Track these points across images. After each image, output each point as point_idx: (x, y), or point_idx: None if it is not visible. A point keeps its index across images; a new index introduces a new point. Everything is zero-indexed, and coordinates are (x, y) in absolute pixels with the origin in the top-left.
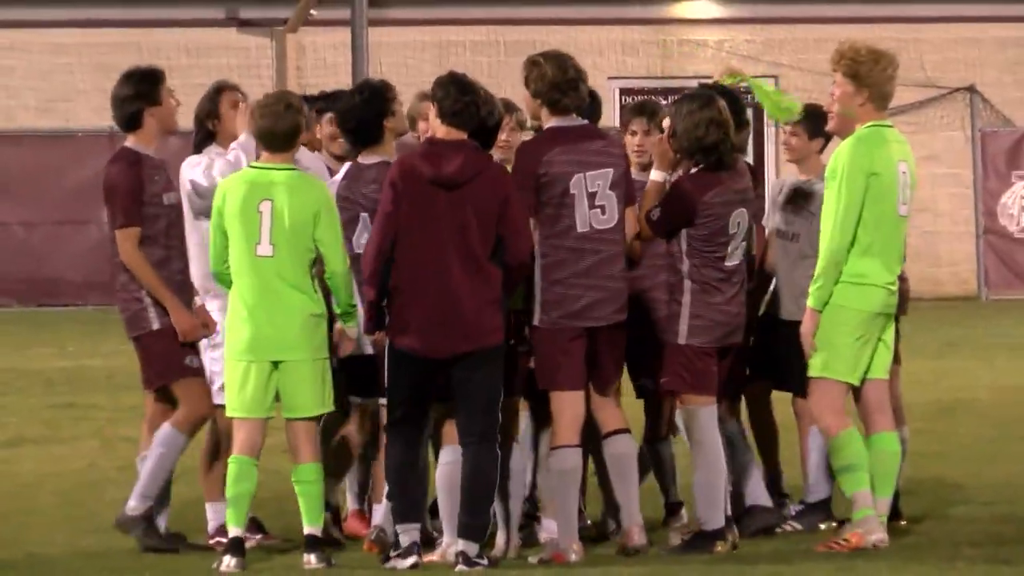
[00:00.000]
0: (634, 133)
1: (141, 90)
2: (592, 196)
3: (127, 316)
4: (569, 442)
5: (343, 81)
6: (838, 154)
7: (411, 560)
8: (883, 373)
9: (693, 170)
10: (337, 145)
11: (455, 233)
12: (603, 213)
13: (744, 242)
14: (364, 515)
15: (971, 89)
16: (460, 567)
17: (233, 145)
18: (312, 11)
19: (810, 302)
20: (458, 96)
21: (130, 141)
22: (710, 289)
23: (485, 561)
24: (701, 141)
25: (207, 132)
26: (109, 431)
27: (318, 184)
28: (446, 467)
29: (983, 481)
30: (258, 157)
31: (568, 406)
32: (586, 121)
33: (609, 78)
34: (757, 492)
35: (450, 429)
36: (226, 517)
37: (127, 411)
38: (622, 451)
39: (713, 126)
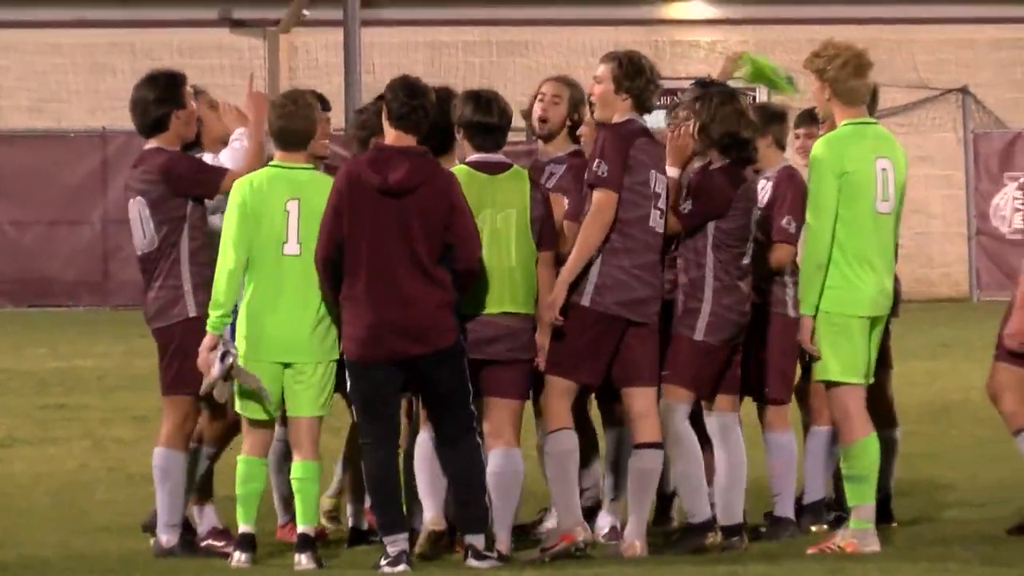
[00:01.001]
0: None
1: (168, 93)
2: (658, 197)
3: (161, 304)
4: (565, 424)
5: (335, 82)
6: (812, 155)
7: (401, 568)
8: (869, 377)
9: (717, 164)
10: (321, 147)
11: (401, 240)
12: (660, 216)
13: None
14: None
15: (964, 90)
16: (470, 561)
17: (235, 136)
18: (305, 12)
19: (802, 308)
20: (405, 100)
21: (153, 143)
22: (731, 287)
23: (495, 554)
24: (736, 136)
25: (192, 140)
26: (101, 432)
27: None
28: (495, 474)
29: (976, 483)
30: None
31: (568, 394)
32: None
33: None
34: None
35: (496, 429)
36: (237, 515)
37: (119, 412)
38: (650, 467)
39: (744, 120)
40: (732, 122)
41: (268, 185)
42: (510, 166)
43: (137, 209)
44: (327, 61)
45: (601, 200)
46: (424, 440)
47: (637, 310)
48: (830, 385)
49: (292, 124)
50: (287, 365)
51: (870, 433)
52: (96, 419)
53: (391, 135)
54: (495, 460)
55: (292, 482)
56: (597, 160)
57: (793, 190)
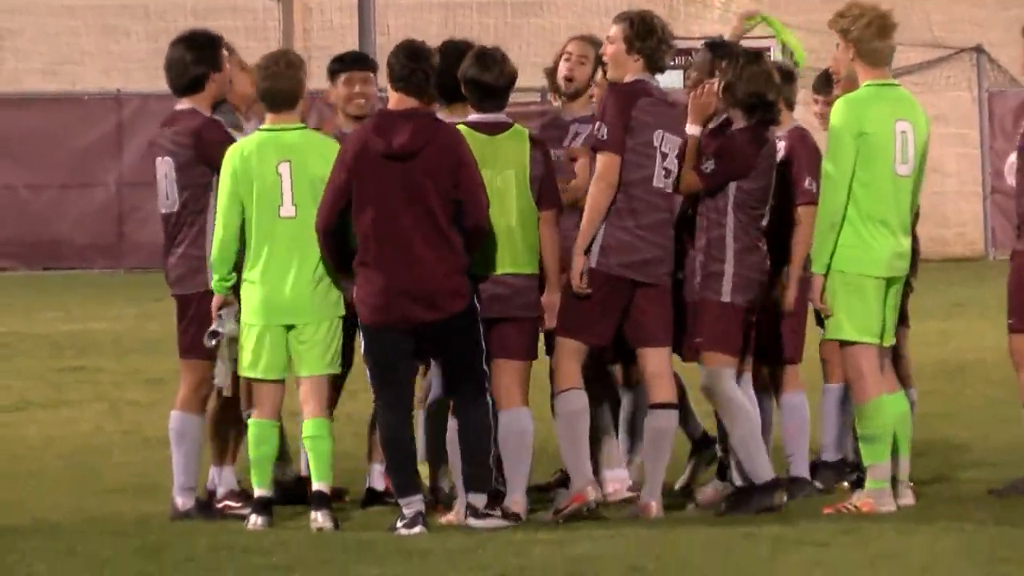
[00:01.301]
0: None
1: (206, 54)
2: (664, 156)
3: (182, 272)
4: (574, 384)
5: (350, 43)
6: (831, 115)
7: (417, 529)
8: (888, 338)
9: (741, 124)
10: (355, 106)
11: (414, 203)
12: (667, 176)
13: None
14: None
15: (978, 49)
16: (470, 520)
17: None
18: None
19: (814, 267)
20: (406, 62)
21: (186, 103)
22: (751, 247)
23: (498, 512)
24: (763, 97)
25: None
26: (115, 395)
27: (329, 141)
28: (505, 435)
29: (990, 443)
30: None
31: (577, 354)
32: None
33: None
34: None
35: (504, 389)
36: (252, 478)
37: (133, 375)
38: (664, 426)
39: (771, 81)
40: (759, 82)
41: (258, 150)
42: (510, 125)
43: (164, 170)
44: (341, 23)
45: (604, 163)
46: (454, 426)
47: (644, 271)
48: (844, 344)
49: (278, 84)
50: (290, 327)
51: (883, 392)
52: (110, 382)
53: (394, 98)
54: (505, 421)
55: (303, 440)
56: (598, 123)
57: (807, 151)
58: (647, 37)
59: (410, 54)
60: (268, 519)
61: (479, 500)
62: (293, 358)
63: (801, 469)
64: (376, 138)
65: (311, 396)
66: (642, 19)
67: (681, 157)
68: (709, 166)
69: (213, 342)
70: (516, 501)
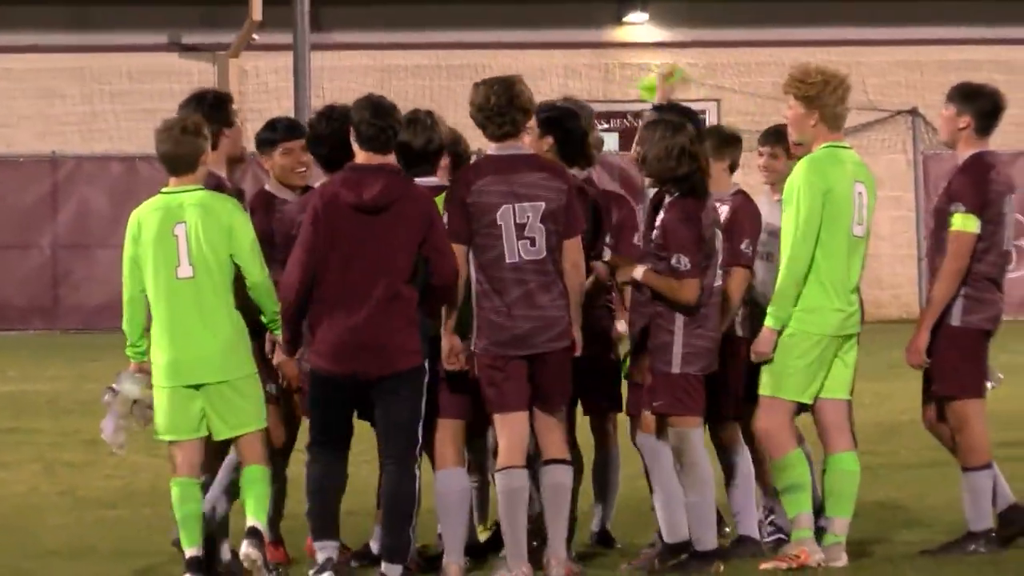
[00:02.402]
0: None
1: (216, 113)
2: (521, 228)
3: None
4: (514, 463)
5: (285, 106)
6: (793, 176)
7: (326, 575)
8: (842, 393)
9: (669, 198)
10: (299, 176)
11: (378, 257)
12: (532, 245)
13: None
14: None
15: (913, 112)
16: None
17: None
18: (254, 36)
19: (769, 322)
20: (371, 120)
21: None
22: (699, 317)
23: None
24: (673, 171)
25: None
26: (51, 456)
27: (228, 199)
28: (443, 494)
29: (925, 503)
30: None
31: (510, 427)
32: (529, 150)
33: None
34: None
35: (444, 451)
36: (181, 538)
37: (70, 436)
38: (558, 481)
39: (685, 156)
40: (671, 158)
41: (154, 214)
42: (443, 189)
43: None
44: (277, 85)
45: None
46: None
47: (523, 344)
48: (763, 397)
49: (176, 149)
50: (199, 387)
51: (795, 448)
52: (46, 443)
53: (361, 156)
54: (441, 481)
55: (242, 482)
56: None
57: (748, 215)
58: (470, 106)
59: (376, 112)
60: None
61: (394, 571)
62: (215, 422)
63: (748, 528)
64: (346, 191)
65: (247, 451)
66: (474, 85)
67: (554, 221)
68: (683, 263)
69: (105, 398)
70: (452, 564)
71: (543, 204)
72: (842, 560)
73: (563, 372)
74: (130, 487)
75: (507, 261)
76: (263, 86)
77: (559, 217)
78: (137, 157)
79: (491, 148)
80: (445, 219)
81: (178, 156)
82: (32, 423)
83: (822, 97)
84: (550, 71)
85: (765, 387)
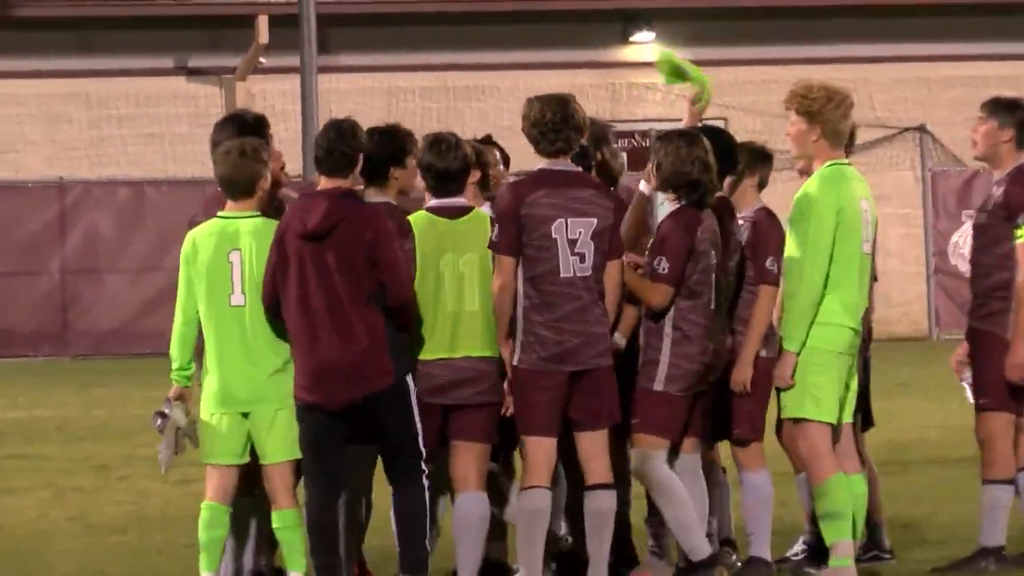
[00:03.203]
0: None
1: (256, 134)
2: (573, 243)
3: None
4: (539, 483)
5: (292, 128)
6: (804, 194)
7: None
8: (847, 416)
9: (671, 208)
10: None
11: (325, 283)
12: (582, 261)
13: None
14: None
15: (921, 129)
16: None
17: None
18: (261, 59)
19: (788, 344)
20: (323, 143)
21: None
22: (690, 336)
23: None
24: (687, 176)
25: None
26: (61, 482)
27: None
28: (462, 518)
29: (936, 521)
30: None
31: (539, 450)
32: (578, 167)
33: None
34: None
35: (467, 474)
36: (200, 561)
37: (79, 461)
38: (602, 507)
39: (699, 164)
40: (684, 162)
41: (210, 239)
42: (470, 209)
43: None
44: (284, 108)
45: (498, 265)
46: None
47: (569, 360)
48: (798, 422)
49: (234, 174)
50: (247, 415)
51: (839, 470)
52: (56, 469)
53: (321, 180)
54: (460, 505)
55: (276, 532)
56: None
57: (773, 232)
58: (523, 121)
59: (336, 133)
60: None
61: None
62: (257, 447)
63: (760, 549)
64: (295, 220)
65: (279, 487)
66: (527, 101)
67: (603, 238)
68: (663, 266)
69: (158, 422)
70: None
71: (595, 221)
72: None
73: (609, 389)
74: (140, 512)
75: (562, 275)
76: (270, 109)
77: (606, 236)
78: (145, 181)
79: (542, 163)
80: (495, 233)
81: (235, 180)
82: (41, 449)
83: (824, 112)
84: (556, 90)
85: (801, 411)
